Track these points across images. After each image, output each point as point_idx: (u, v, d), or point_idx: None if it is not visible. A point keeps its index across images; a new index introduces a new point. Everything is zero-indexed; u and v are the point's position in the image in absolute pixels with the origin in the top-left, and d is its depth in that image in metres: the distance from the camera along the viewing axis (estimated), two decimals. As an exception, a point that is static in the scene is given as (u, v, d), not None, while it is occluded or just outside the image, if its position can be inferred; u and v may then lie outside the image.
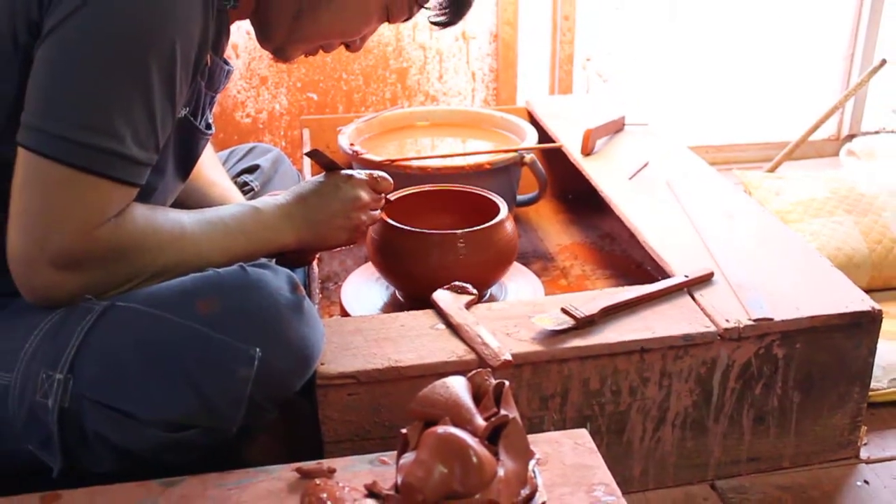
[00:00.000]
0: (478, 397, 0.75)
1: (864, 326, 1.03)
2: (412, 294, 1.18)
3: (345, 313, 1.21)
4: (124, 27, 0.78)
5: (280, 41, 0.99)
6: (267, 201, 1.00)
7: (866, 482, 1.07)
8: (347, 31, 1.00)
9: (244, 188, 1.31)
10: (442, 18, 1.04)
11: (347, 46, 1.04)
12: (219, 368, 0.81)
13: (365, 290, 1.26)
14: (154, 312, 0.82)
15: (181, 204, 1.03)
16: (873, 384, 1.17)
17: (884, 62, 1.91)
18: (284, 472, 0.80)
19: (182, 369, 0.80)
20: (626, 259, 1.46)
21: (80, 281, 0.82)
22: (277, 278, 0.86)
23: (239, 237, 0.94)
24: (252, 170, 1.36)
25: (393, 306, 1.21)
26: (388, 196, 1.10)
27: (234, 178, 1.34)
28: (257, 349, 0.82)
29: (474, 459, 0.67)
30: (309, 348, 0.88)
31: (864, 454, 1.11)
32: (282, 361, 0.85)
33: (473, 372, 0.77)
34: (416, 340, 0.97)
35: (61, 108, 0.79)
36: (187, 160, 1.01)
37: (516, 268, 1.27)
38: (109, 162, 0.80)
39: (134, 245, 0.85)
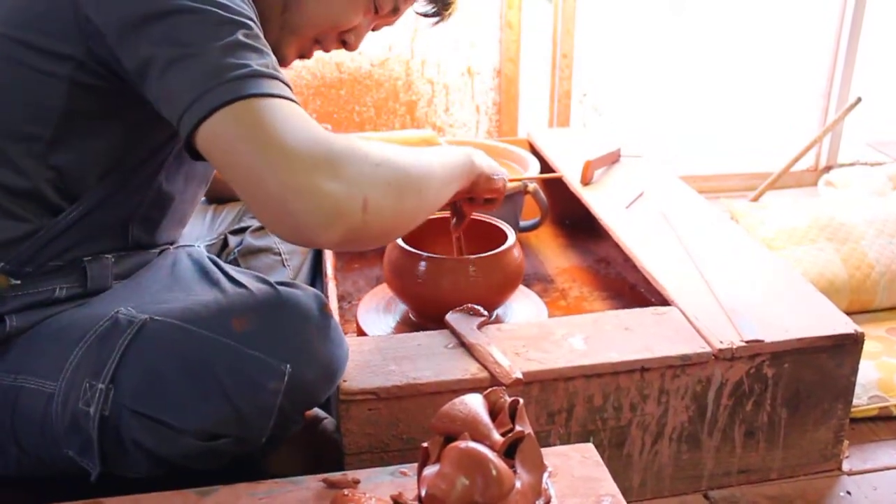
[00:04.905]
0: (494, 414, 0.75)
1: (847, 348, 1.04)
2: (425, 314, 1.19)
3: (360, 331, 1.21)
4: None
5: (273, 39, 0.91)
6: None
7: (848, 493, 1.07)
8: (334, 18, 0.96)
9: None
10: (429, 9, 1.03)
11: (345, 44, 1.00)
12: (251, 382, 0.81)
13: (379, 309, 1.26)
14: (191, 328, 0.82)
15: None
16: (855, 401, 1.18)
17: (859, 100, 1.94)
18: (311, 483, 0.81)
19: (216, 382, 0.80)
20: (621, 282, 1.47)
21: (344, 186, 0.75)
22: (307, 298, 0.87)
23: (437, 167, 0.91)
24: None
25: (405, 326, 1.21)
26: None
27: None
28: (287, 365, 0.82)
29: (494, 472, 0.67)
30: (335, 364, 0.88)
31: (846, 466, 1.12)
32: (309, 376, 0.85)
33: (489, 390, 0.77)
34: (432, 359, 0.98)
35: (202, 73, 0.74)
36: (204, 166, 0.95)
37: (520, 289, 1.28)
38: (271, 81, 0.76)
39: (362, 147, 0.79)
